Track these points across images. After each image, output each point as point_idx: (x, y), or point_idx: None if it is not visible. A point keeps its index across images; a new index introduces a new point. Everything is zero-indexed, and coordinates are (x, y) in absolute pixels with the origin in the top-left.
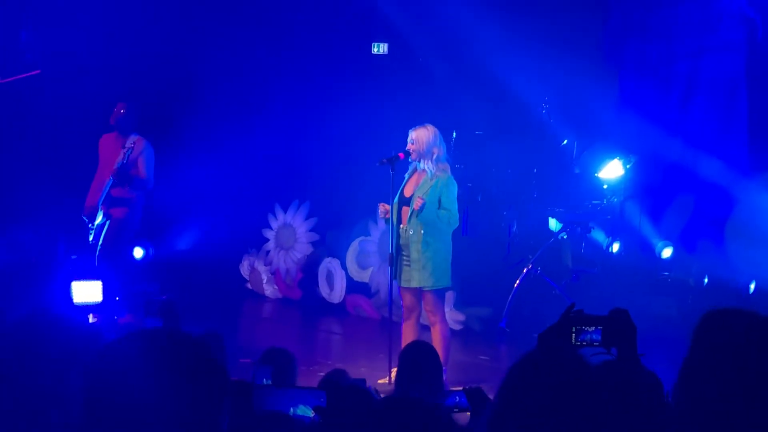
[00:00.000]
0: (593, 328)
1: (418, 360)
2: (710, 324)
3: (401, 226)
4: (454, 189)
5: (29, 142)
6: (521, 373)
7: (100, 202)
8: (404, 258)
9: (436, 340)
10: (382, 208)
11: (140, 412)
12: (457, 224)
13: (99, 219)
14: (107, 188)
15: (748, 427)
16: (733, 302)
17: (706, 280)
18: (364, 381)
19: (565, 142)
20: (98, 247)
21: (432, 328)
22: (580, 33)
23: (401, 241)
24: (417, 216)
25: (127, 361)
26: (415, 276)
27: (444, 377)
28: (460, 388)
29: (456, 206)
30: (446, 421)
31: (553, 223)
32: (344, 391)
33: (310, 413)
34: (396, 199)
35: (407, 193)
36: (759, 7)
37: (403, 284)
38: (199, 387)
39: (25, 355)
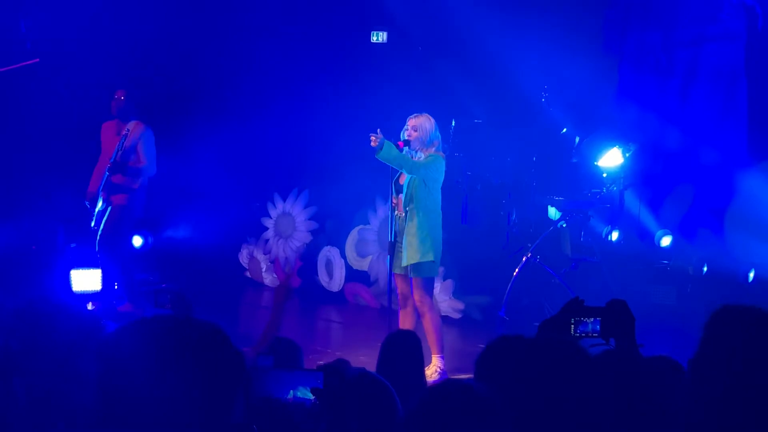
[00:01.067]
0: (592, 319)
1: (399, 350)
2: (722, 319)
3: (396, 212)
4: (440, 161)
5: (29, 130)
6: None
7: (101, 189)
8: (400, 245)
9: (428, 329)
10: (395, 200)
11: (156, 398)
12: (418, 172)
13: (99, 205)
14: (106, 175)
15: (758, 423)
16: (732, 291)
17: (705, 269)
18: (364, 369)
19: (565, 130)
20: (98, 234)
21: (422, 318)
22: (580, 21)
23: (397, 228)
24: (379, 144)
25: (142, 346)
26: (403, 256)
27: (441, 364)
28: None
29: (429, 169)
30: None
31: (553, 212)
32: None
33: (310, 395)
34: (391, 188)
35: (402, 180)
36: None
37: (399, 271)
38: (215, 373)
39: (24, 342)
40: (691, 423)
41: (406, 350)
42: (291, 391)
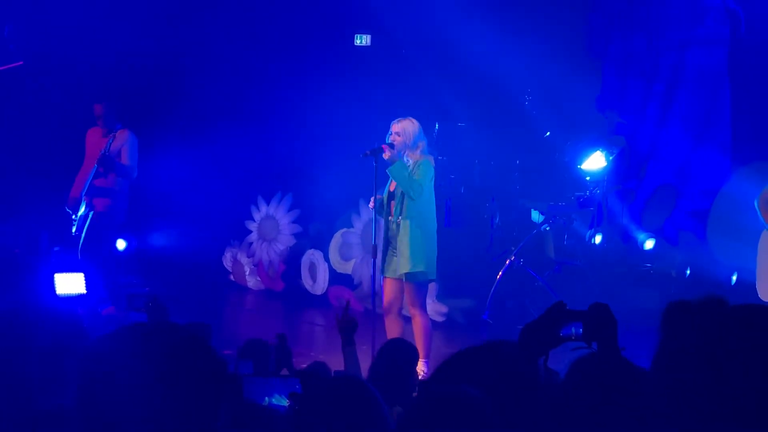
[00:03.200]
0: (574, 322)
1: (395, 357)
2: (674, 314)
3: (390, 218)
4: (430, 168)
5: (12, 134)
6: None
7: (83, 193)
8: (392, 250)
9: (417, 333)
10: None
11: (136, 405)
12: (421, 191)
13: (82, 210)
14: (90, 178)
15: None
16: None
17: (688, 272)
18: (345, 372)
19: (548, 134)
20: (81, 239)
21: (413, 320)
22: (564, 25)
23: (390, 234)
24: (389, 170)
25: (122, 353)
26: (400, 263)
27: (426, 369)
28: None
29: (424, 180)
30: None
31: (536, 215)
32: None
33: (285, 402)
34: (385, 193)
35: (393, 186)
36: (743, 1)
37: (389, 274)
38: (196, 379)
39: (8, 346)
40: (655, 424)
41: (401, 360)
42: (266, 398)
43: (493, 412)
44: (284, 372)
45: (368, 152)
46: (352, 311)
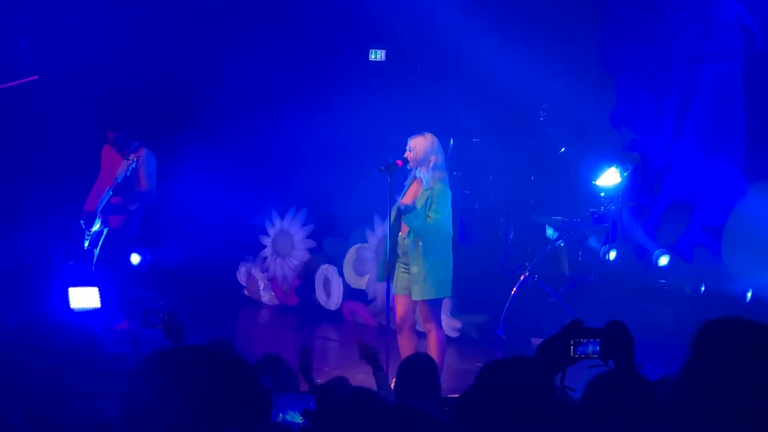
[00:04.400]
0: (592, 340)
1: (417, 372)
2: (710, 333)
3: (400, 233)
4: (447, 197)
5: (27, 147)
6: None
7: (99, 209)
8: (402, 266)
9: (432, 347)
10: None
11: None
12: (447, 230)
13: (96, 226)
14: (107, 197)
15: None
16: (730, 311)
17: (702, 289)
18: (361, 387)
19: (563, 149)
20: (95, 256)
21: (428, 335)
22: (577, 39)
23: (399, 249)
24: (403, 220)
25: (169, 380)
26: (415, 289)
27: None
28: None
29: (445, 212)
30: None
31: (550, 231)
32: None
33: (299, 419)
34: (395, 207)
35: (405, 202)
36: (756, 15)
37: (399, 292)
38: (243, 410)
39: (22, 359)
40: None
41: (423, 374)
42: (280, 415)
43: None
44: (303, 386)
45: (383, 167)
46: (367, 341)
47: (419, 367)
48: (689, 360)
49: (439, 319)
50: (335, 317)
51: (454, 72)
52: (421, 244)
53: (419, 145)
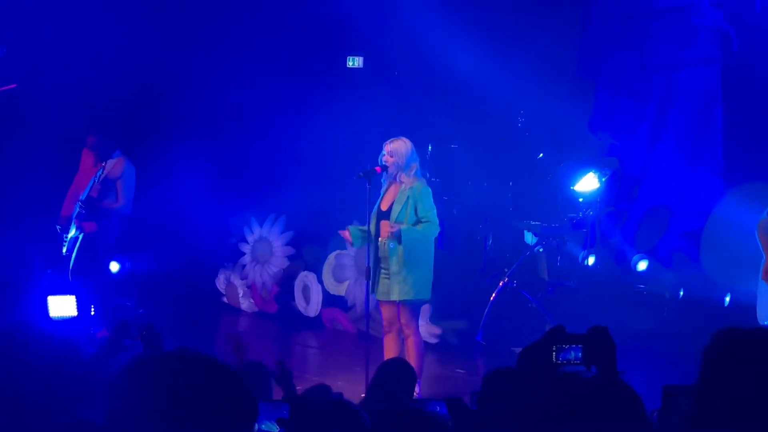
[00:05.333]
0: (573, 346)
1: (394, 377)
2: (721, 342)
3: (380, 239)
4: (430, 194)
5: (5, 155)
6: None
7: (74, 215)
8: (383, 271)
9: (410, 353)
10: (345, 234)
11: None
12: (438, 229)
13: (72, 232)
14: (82, 203)
15: None
16: (709, 315)
17: (681, 293)
18: (341, 395)
19: (541, 155)
20: (72, 261)
21: (406, 341)
22: (557, 46)
23: (380, 254)
24: (402, 242)
25: (153, 386)
26: (395, 289)
27: (417, 390)
28: (442, 399)
29: (434, 212)
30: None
31: (529, 237)
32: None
33: (275, 429)
34: (374, 212)
35: (384, 206)
36: (734, 21)
37: (381, 297)
38: (229, 417)
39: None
40: None
41: (399, 381)
42: (256, 425)
43: None
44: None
45: (362, 174)
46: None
47: (398, 373)
48: (702, 371)
49: (417, 324)
50: (314, 324)
51: (432, 78)
52: (408, 248)
53: (401, 149)
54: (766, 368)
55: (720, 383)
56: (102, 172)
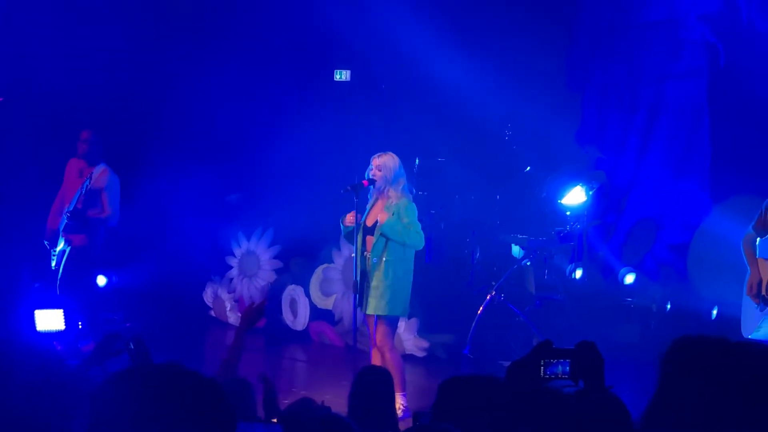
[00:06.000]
0: (561, 360)
1: (372, 384)
2: (679, 351)
3: (365, 253)
4: (415, 211)
5: None
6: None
7: (61, 228)
8: (368, 286)
9: (391, 368)
10: (349, 217)
11: None
12: (423, 243)
13: (60, 245)
14: (68, 217)
15: None
16: (696, 328)
17: (668, 307)
18: (329, 409)
19: (528, 168)
20: (59, 274)
21: (383, 356)
22: (544, 59)
23: (365, 268)
24: (382, 232)
25: (134, 398)
26: (372, 303)
27: (404, 402)
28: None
29: (419, 226)
30: None
31: (517, 250)
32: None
33: None
34: (360, 227)
35: (369, 221)
36: (721, 34)
37: (368, 311)
38: (207, 429)
39: None
40: None
41: (378, 386)
42: None
43: None
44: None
45: (349, 187)
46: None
47: (375, 380)
48: (660, 381)
49: (392, 340)
50: (302, 338)
51: (419, 92)
52: (384, 260)
53: (389, 164)
54: (718, 377)
55: (674, 391)
56: (89, 182)
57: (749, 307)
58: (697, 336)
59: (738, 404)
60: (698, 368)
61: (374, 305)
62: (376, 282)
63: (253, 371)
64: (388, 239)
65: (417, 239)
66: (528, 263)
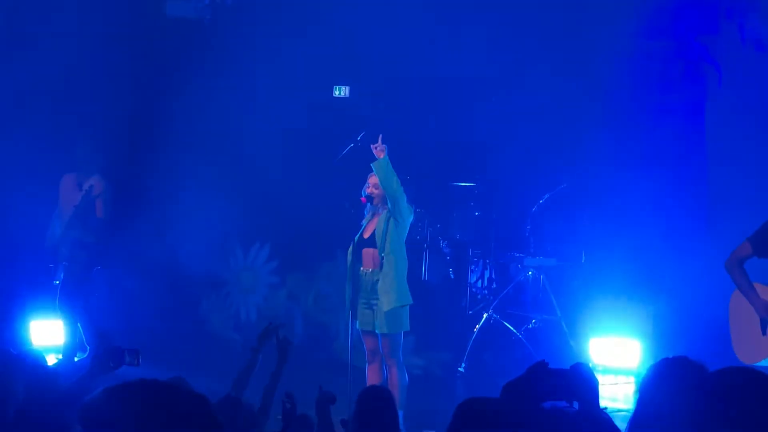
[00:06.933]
0: (557, 381)
1: (374, 405)
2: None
3: (362, 268)
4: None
5: None
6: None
7: (60, 243)
8: (362, 302)
9: (393, 384)
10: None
11: None
12: (411, 216)
13: (60, 259)
14: (66, 229)
15: None
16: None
17: None
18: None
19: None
20: (58, 289)
21: (389, 372)
22: (547, 73)
23: (360, 284)
24: (378, 165)
25: (126, 412)
26: (383, 300)
27: (400, 421)
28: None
29: (405, 206)
30: None
31: (514, 269)
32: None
33: None
34: (354, 242)
35: (366, 235)
36: (719, 55)
37: (363, 327)
38: None
39: None
40: None
41: (380, 406)
42: None
43: None
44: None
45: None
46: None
47: (377, 400)
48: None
49: (400, 356)
50: (297, 354)
51: (418, 108)
52: (393, 257)
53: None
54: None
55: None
56: (92, 190)
57: (749, 332)
58: (672, 359)
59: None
60: (672, 389)
61: (368, 318)
62: (380, 284)
63: (250, 387)
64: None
65: (400, 192)
66: (530, 277)
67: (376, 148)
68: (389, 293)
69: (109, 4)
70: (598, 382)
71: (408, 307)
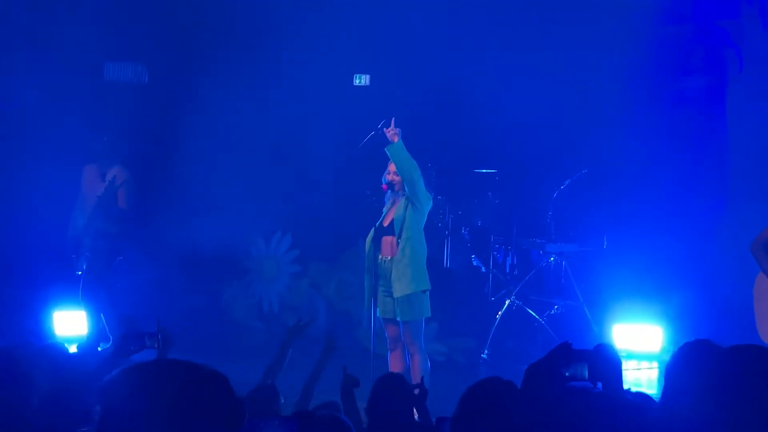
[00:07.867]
0: (580, 362)
1: (389, 393)
2: (682, 357)
3: (380, 256)
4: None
5: (11, 171)
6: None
7: (82, 234)
8: (383, 289)
9: (415, 371)
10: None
11: None
12: (430, 203)
13: (83, 250)
14: (89, 220)
15: None
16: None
17: None
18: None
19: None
20: (81, 280)
21: (411, 359)
22: (565, 64)
23: (380, 272)
24: (393, 149)
25: (143, 391)
26: (398, 310)
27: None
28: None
29: (423, 190)
30: None
31: (536, 255)
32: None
33: None
34: (373, 230)
35: (386, 223)
36: (740, 40)
37: (384, 315)
38: (217, 421)
39: (6, 384)
40: None
41: (395, 393)
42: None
43: None
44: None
45: (369, 192)
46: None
47: (392, 389)
48: (666, 385)
49: (422, 342)
50: (320, 341)
51: (439, 96)
52: (411, 243)
53: None
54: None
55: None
56: (115, 180)
57: None
58: (695, 341)
59: (734, 404)
60: (697, 372)
61: (401, 311)
62: (394, 270)
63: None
64: (400, 167)
65: (417, 174)
66: (551, 262)
67: (389, 131)
68: (401, 279)
69: None
70: (621, 363)
71: (428, 293)
